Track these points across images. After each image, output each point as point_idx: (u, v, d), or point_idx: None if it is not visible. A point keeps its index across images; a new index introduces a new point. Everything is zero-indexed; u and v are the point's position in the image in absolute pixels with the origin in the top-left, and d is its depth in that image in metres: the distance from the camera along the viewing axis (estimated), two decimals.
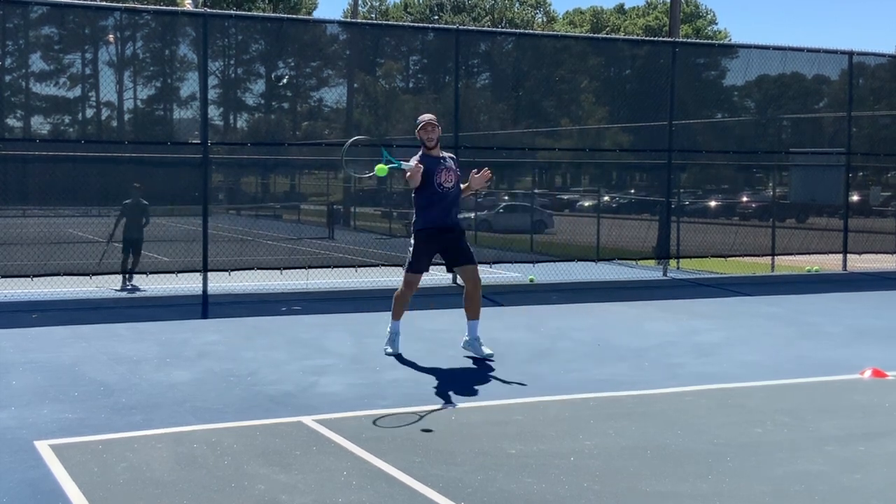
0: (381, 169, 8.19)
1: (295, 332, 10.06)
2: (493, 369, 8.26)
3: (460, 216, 9.09)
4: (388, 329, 8.93)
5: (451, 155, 9.03)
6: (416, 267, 8.75)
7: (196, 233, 13.15)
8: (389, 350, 8.83)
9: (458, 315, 11.43)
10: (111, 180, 14.30)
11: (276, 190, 20.28)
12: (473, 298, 8.68)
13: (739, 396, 7.36)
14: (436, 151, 8.70)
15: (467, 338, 8.77)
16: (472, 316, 8.71)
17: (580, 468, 5.47)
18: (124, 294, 12.76)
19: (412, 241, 8.74)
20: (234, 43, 15.35)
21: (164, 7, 27.61)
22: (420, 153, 8.68)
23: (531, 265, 15.90)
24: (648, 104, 16.33)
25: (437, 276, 15.14)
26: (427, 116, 8.75)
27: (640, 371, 8.30)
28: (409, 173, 8.44)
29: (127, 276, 13.65)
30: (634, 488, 5.14)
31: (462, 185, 8.84)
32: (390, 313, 8.91)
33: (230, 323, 10.72)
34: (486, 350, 8.69)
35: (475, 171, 8.77)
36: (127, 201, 13.83)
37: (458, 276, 9.10)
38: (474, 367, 8.36)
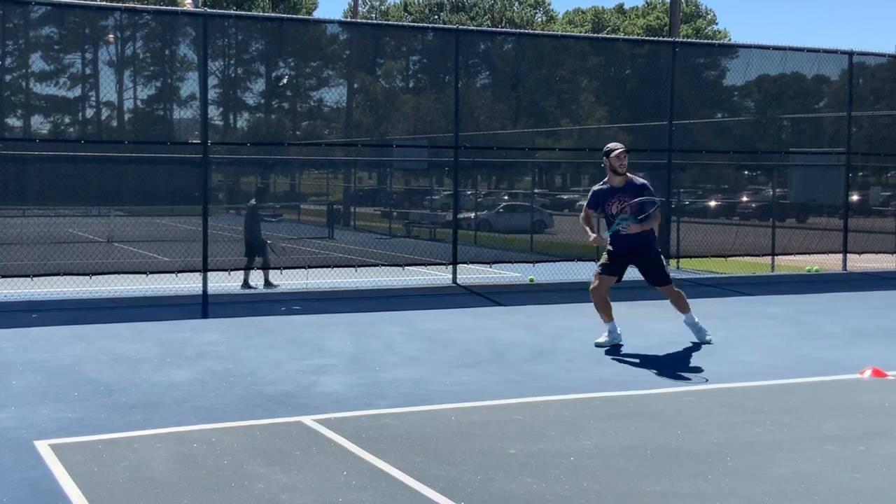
0: None
1: (295, 332, 10.06)
2: (493, 369, 8.26)
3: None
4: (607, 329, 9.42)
5: (642, 181, 9.28)
6: (604, 270, 9.32)
7: (196, 233, 13.15)
8: (602, 342, 9.35)
9: (458, 315, 11.45)
10: (111, 180, 14.32)
11: (277, 190, 20.29)
12: (675, 303, 9.59)
13: (739, 396, 7.36)
14: (619, 180, 9.15)
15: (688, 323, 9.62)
16: (682, 311, 9.60)
17: (580, 468, 5.47)
18: (124, 294, 12.76)
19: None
20: (234, 43, 15.35)
21: (164, 7, 27.61)
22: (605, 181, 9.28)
23: (531, 265, 15.90)
24: (648, 104, 16.33)
25: (437, 276, 15.16)
26: (618, 145, 9.22)
27: (640, 371, 8.30)
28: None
29: (248, 279, 13.99)
30: (634, 488, 5.14)
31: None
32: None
33: (230, 323, 10.72)
34: (708, 336, 9.54)
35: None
36: (251, 202, 14.39)
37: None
38: (474, 367, 8.36)
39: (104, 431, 6.10)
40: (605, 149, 9.30)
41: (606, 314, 9.34)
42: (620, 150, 9.13)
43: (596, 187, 9.43)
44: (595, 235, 9.25)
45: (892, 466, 5.60)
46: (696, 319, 9.60)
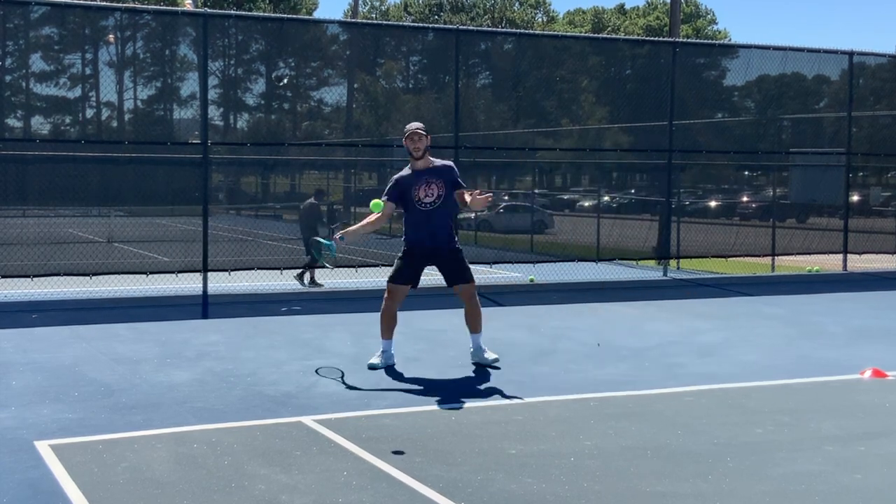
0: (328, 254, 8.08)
1: (295, 332, 10.06)
2: (493, 369, 8.25)
3: (462, 215, 8.94)
4: (381, 349, 8.34)
5: (447, 163, 8.32)
6: (396, 278, 8.30)
7: (196, 233, 13.15)
8: (376, 362, 8.24)
9: (458, 315, 11.44)
10: (111, 180, 14.32)
11: (277, 190, 20.29)
12: (471, 315, 8.36)
13: (739, 396, 7.36)
14: (422, 163, 8.16)
15: (472, 349, 8.46)
16: (473, 330, 8.40)
17: (580, 468, 5.47)
18: (124, 294, 12.76)
19: (399, 254, 8.36)
20: (234, 43, 15.35)
21: (164, 7, 27.61)
22: (408, 167, 8.25)
23: (531, 265, 15.89)
24: (649, 104, 16.33)
25: (437, 276, 15.15)
26: (414, 125, 8.19)
27: (640, 371, 8.30)
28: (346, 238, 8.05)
29: (306, 275, 14.27)
30: (634, 488, 5.14)
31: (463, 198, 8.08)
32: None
33: (230, 323, 10.72)
34: (490, 356, 8.36)
35: (477, 192, 7.97)
36: (310, 200, 14.66)
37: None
38: (474, 367, 8.36)
39: (104, 432, 6.10)
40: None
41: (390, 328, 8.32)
42: (413, 131, 8.09)
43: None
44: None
45: (892, 466, 5.60)
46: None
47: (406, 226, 8.34)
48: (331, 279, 14.45)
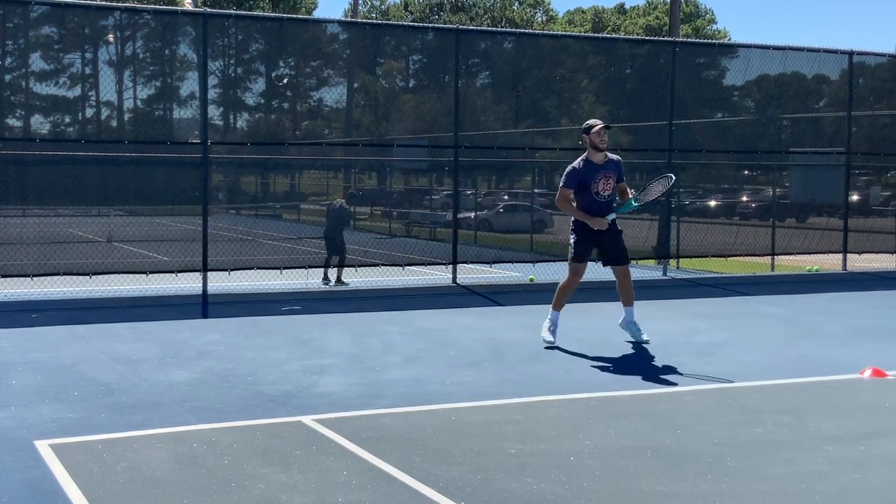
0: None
1: (295, 332, 10.06)
2: (493, 369, 8.26)
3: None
4: (549, 318, 9.33)
5: (617, 157, 9.27)
6: (579, 257, 9.24)
7: (196, 232, 13.15)
8: (550, 339, 9.22)
9: (458, 315, 11.45)
10: (111, 180, 14.31)
11: (276, 189, 20.29)
12: (623, 288, 9.35)
13: (739, 396, 7.36)
14: (601, 156, 9.09)
15: (623, 321, 9.47)
16: (626, 302, 9.38)
17: (580, 468, 5.47)
18: (124, 294, 12.76)
19: (572, 235, 9.24)
20: (234, 43, 15.34)
21: (164, 7, 27.61)
22: (584, 158, 9.14)
23: (531, 265, 15.89)
24: (648, 104, 16.33)
25: (437, 275, 15.15)
26: (598, 121, 9.15)
27: (640, 371, 8.30)
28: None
29: (327, 273, 14.45)
30: (634, 488, 5.14)
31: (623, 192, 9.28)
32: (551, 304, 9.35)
33: (230, 323, 10.72)
34: (644, 336, 9.34)
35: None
36: (340, 201, 14.82)
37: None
38: (474, 367, 8.37)
39: (104, 431, 6.10)
40: (584, 125, 9.20)
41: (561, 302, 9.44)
42: (601, 126, 9.06)
43: (574, 165, 9.21)
44: (601, 219, 9.06)
45: (892, 466, 5.60)
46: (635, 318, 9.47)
47: (580, 209, 9.18)
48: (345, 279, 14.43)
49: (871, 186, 20.34)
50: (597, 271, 15.92)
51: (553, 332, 9.29)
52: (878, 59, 18.37)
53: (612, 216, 9.18)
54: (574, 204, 9.16)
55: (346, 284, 14.30)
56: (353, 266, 14.67)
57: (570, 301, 12.81)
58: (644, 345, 9.33)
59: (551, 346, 9.19)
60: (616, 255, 9.29)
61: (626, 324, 9.48)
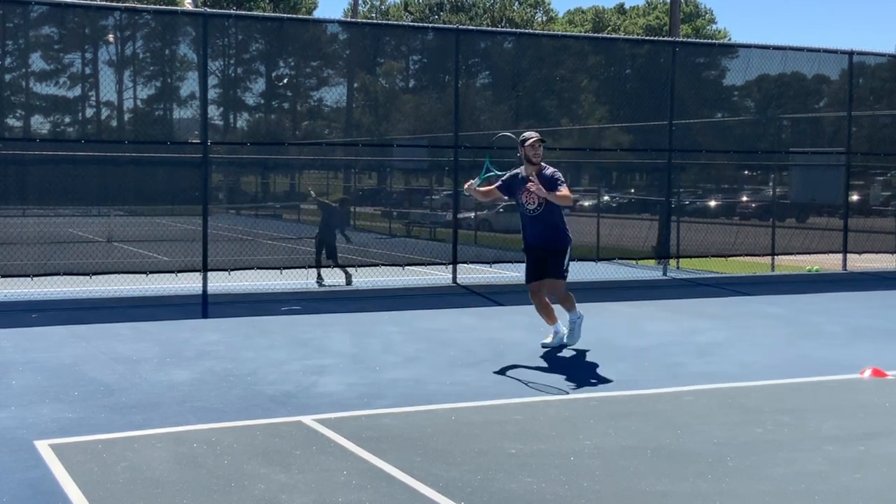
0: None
1: (295, 332, 10.06)
2: (493, 369, 8.26)
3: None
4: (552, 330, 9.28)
5: (551, 172, 8.95)
6: (526, 280, 9.13)
7: (196, 232, 13.15)
8: (547, 341, 9.21)
9: (458, 315, 11.45)
10: (111, 180, 14.31)
11: (276, 190, 20.28)
12: (563, 304, 9.14)
13: (739, 396, 7.36)
14: (532, 169, 8.91)
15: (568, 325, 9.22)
16: (569, 310, 9.15)
17: (580, 468, 5.47)
18: (124, 294, 12.76)
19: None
20: (234, 43, 15.34)
21: (164, 7, 27.61)
22: (521, 168, 9.03)
23: None
24: (648, 104, 16.32)
25: (437, 275, 15.16)
26: (534, 134, 9.04)
27: (640, 371, 8.30)
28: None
29: (320, 273, 14.47)
30: (634, 488, 5.14)
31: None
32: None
33: (230, 323, 10.72)
34: (577, 340, 9.16)
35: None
36: (335, 205, 14.91)
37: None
38: (474, 367, 8.37)
39: (104, 431, 6.10)
40: (521, 137, 9.09)
41: (549, 316, 9.18)
42: (534, 140, 8.89)
43: (513, 171, 9.18)
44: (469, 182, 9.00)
45: (892, 466, 5.60)
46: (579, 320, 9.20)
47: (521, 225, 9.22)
48: (330, 279, 14.44)
49: (872, 186, 20.33)
50: (597, 271, 15.99)
51: (556, 338, 9.22)
52: (878, 59, 18.37)
53: (477, 183, 8.97)
54: (483, 192, 9.12)
55: (322, 281, 14.32)
56: (353, 266, 14.67)
57: None
58: (545, 348, 9.15)
59: (546, 346, 9.20)
60: (544, 272, 9.02)
61: (569, 324, 9.21)
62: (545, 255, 8.99)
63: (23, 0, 12.81)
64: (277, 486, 5.08)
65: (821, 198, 19.13)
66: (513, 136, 9.37)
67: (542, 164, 8.99)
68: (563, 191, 8.83)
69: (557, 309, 9.22)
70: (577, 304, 9.16)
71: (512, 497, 4.96)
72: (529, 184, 8.80)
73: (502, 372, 8.15)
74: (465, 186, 9.10)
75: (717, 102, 18.45)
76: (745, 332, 10.45)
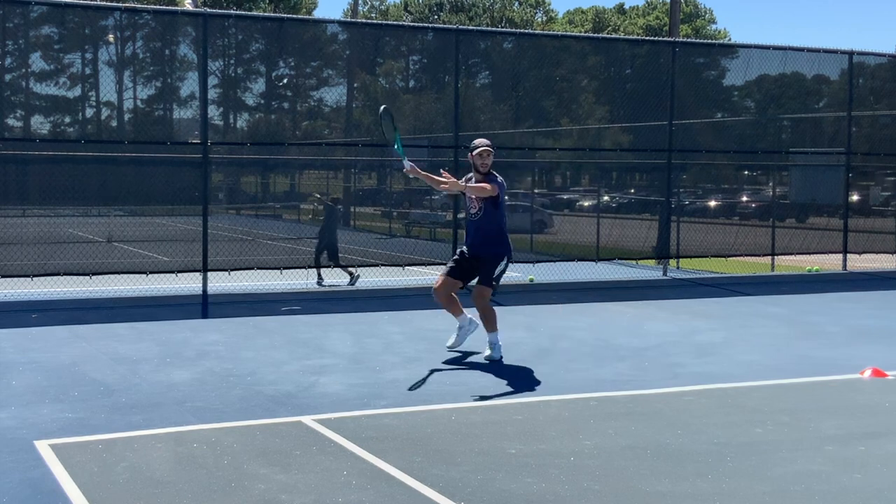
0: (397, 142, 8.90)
1: (295, 332, 10.06)
2: (493, 369, 8.26)
3: (462, 215, 9.13)
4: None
5: (498, 181, 8.66)
6: (446, 270, 8.93)
7: (196, 232, 13.15)
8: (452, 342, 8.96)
9: None
10: (111, 180, 14.31)
11: (276, 189, 20.29)
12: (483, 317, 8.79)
13: (739, 396, 7.36)
14: (478, 176, 8.70)
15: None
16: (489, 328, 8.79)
17: (580, 468, 5.47)
18: (124, 294, 12.76)
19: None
20: (234, 43, 15.34)
21: (164, 7, 27.60)
22: (471, 174, 8.78)
23: (531, 265, 15.89)
24: (648, 104, 16.32)
25: (437, 275, 15.15)
26: (484, 141, 8.76)
27: (640, 371, 8.30)
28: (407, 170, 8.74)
29: (320, 273, 14.54)
30: (634, 488, 5.14)
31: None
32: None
33: (230, 323, 10.72)
34: (499, 355, 8.65)
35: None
36: (329, 203, 14.97)
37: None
38: (474, 366, 8.36)
39: (104, 431, 6.10)
40: (471, 144, 8.80)
41: (455, 308, 8.88)
42: (482, 149, 8.62)
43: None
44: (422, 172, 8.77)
45: (892, 466, 5.60)
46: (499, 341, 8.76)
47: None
48: (330, 279, 14.45)
49: (872, 187, 20.33)
50: (597, 271, 16.00)
51: (461, 333, 8.93)
52: (878, 59, 18.38)
53: (404, 161, 8.73)
54: (432, 179, 8.81)
55: (323, 281, 14.37)
56: (354, 266, 14.67)
57: (570, 301, 12.88)
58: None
59: (452, 349, 8.96)
60: (468, 276, 8.88)
61: (489, 345, 8.76)
62: (477, 262, 8.75)
63: (23, 0, 12.81)
64: (277, 486, 5.08)
65: (821, 198, 19.14)
66: (388, 107, 9.25)
67: (493, 172, 8.70)
68: (482, 185, 8.58)
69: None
70: (498, 325, 8.76)
71: (512, 497, 4.96)
72: (443, 171, 8.88)
73: (502, 372, 8.15)
74: (408, 169, 8.69)
75: (717, 102, 18.45)
76: (745, 332, 10.45)
